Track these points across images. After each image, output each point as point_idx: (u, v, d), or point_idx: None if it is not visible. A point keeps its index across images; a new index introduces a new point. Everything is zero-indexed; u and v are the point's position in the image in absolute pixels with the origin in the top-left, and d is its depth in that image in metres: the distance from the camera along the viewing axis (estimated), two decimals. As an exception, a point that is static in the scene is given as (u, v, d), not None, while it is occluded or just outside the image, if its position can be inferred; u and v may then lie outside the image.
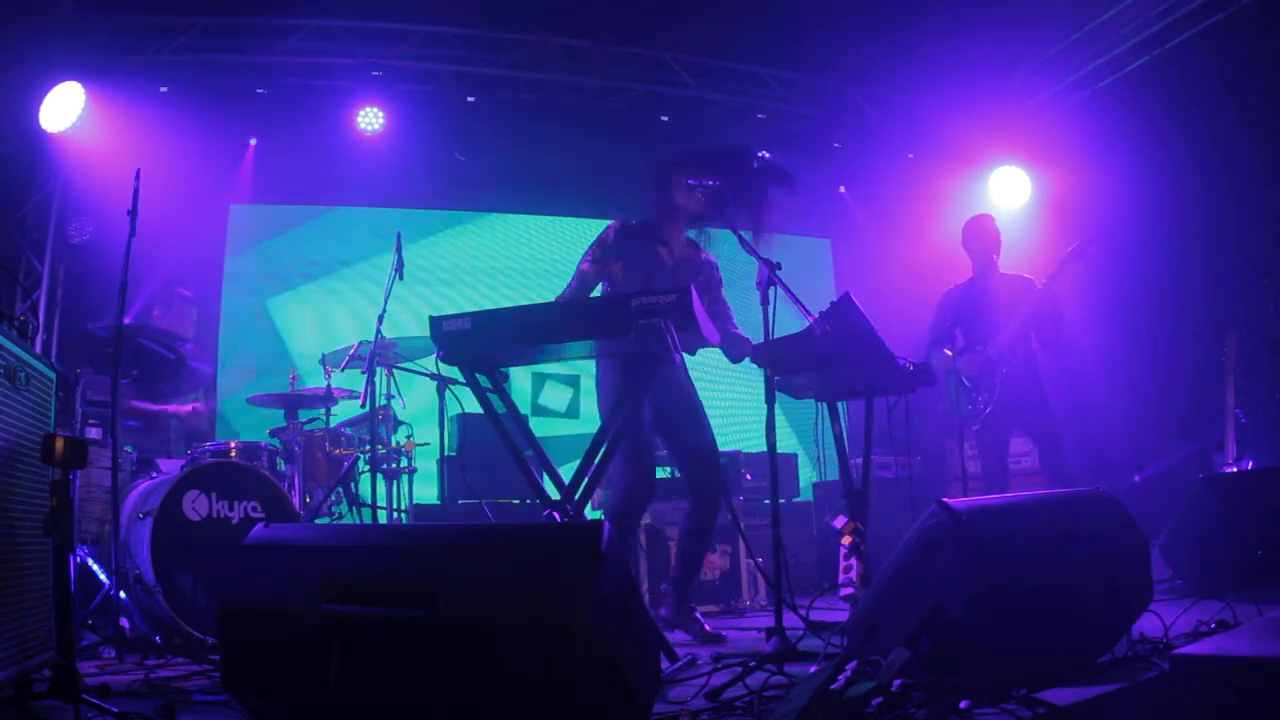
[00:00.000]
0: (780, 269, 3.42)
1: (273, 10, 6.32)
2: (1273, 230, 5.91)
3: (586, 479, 3.05)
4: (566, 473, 3.15)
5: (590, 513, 3.36)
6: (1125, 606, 2.67)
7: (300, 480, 4.78)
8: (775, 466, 3.42)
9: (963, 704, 2.09)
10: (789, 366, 3.53)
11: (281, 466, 4.73)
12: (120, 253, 3.56)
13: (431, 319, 2.99)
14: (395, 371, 5.07)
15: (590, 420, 3.24)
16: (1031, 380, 4.85)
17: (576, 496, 3.04)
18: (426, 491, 5.98)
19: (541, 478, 3.24)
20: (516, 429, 3.23)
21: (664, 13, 6.58)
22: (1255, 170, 5.97)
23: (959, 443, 4.94)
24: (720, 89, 7.35)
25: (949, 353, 4.99)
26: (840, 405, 4.00)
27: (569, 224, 7.82)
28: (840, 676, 2.08)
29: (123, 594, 3.63)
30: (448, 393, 5.29)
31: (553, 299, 3.73)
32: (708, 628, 3.80)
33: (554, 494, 3.11)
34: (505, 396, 3.19)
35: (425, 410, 5.67)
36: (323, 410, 5.12)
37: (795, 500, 6.41)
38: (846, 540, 3.54)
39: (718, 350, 3.62)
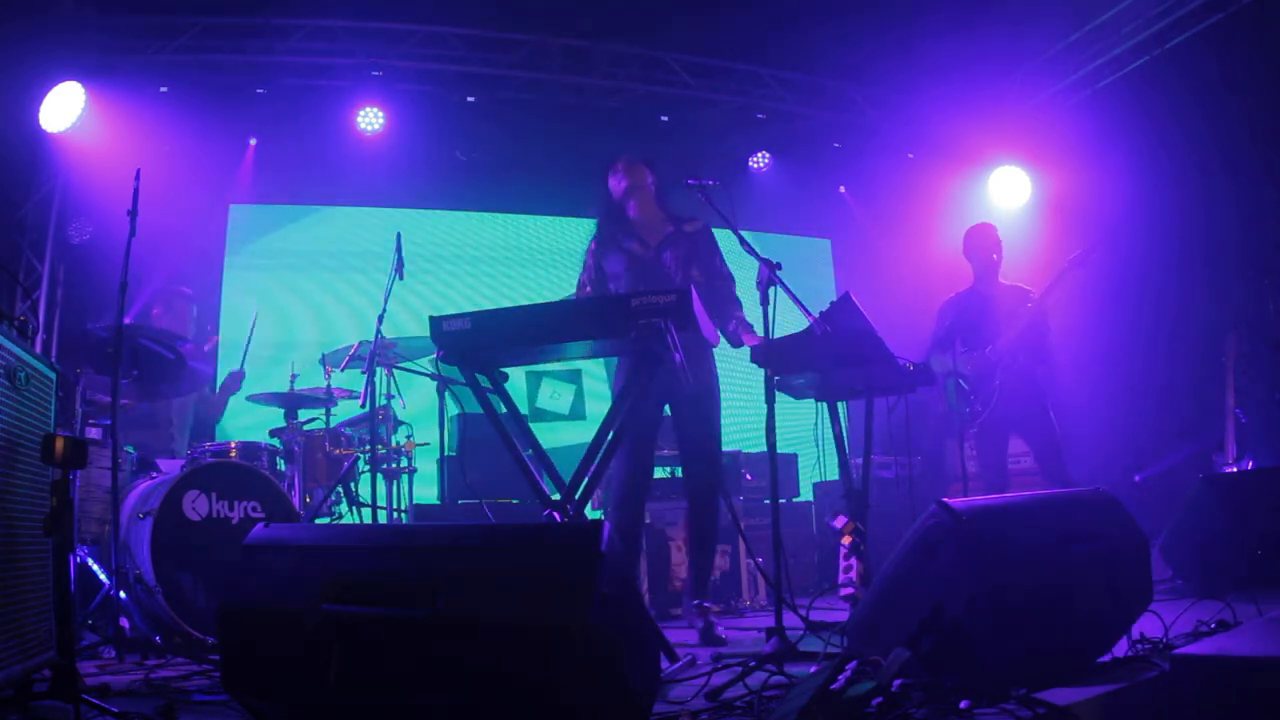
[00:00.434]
0: (780, 269, 3.42)
1: (273, 10, 6.31)
2: (1273, 230, 5.91)
3: (586, 479, 3.05)
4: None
5: (590, 513, 3.37)
6: (1125, 606, 2.67)
7: (300, 480, 4.78)
8: (775, 466, 3.42)
9: (963, 704, 2.09)
10: (789, 366, 3.53)
11: (281, 466, 4.73)
12: (120, 253, 3.56)
13: (431, 319, 3.00)
14: (395, 371, 5.07)
15: (596, 423, 3.24)
16: (1030, 388, 4.84)
17: (576, 496, 3.04)
18: (426, 491, 5.98)
19: (541, 478, 3.24)
20: (516, 429, 3.23)
21: (664, 13, 6.57)
22: (1255, 170, 5.97)
23: (959, 443, 4.94)
24: (720, 89, 7.34)
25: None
26: (840, 405, 4.00)
27: (569, 224, 7.82)
28: (840, 676, 2.08)
29: (123, 594, 3.63)
30: (448, 393, 5.30)
31: (553, 299, 3.74)
32: (718, 630, 3.78)
33: (554, 494, 3.11)
34: (505, 396, 3.19)
35: (425, 410, 5.67)
36: (323, 410, 5.12)
37: (795, 500, 6.41)
38: (846, 540, 3.55)
39: (721, 347, 3.65)
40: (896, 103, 7.66)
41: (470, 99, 6.98)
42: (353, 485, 4.99)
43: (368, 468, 4.76)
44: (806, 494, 6.64)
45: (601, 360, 5.14)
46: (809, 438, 3.91)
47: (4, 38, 5.33)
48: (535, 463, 3.25)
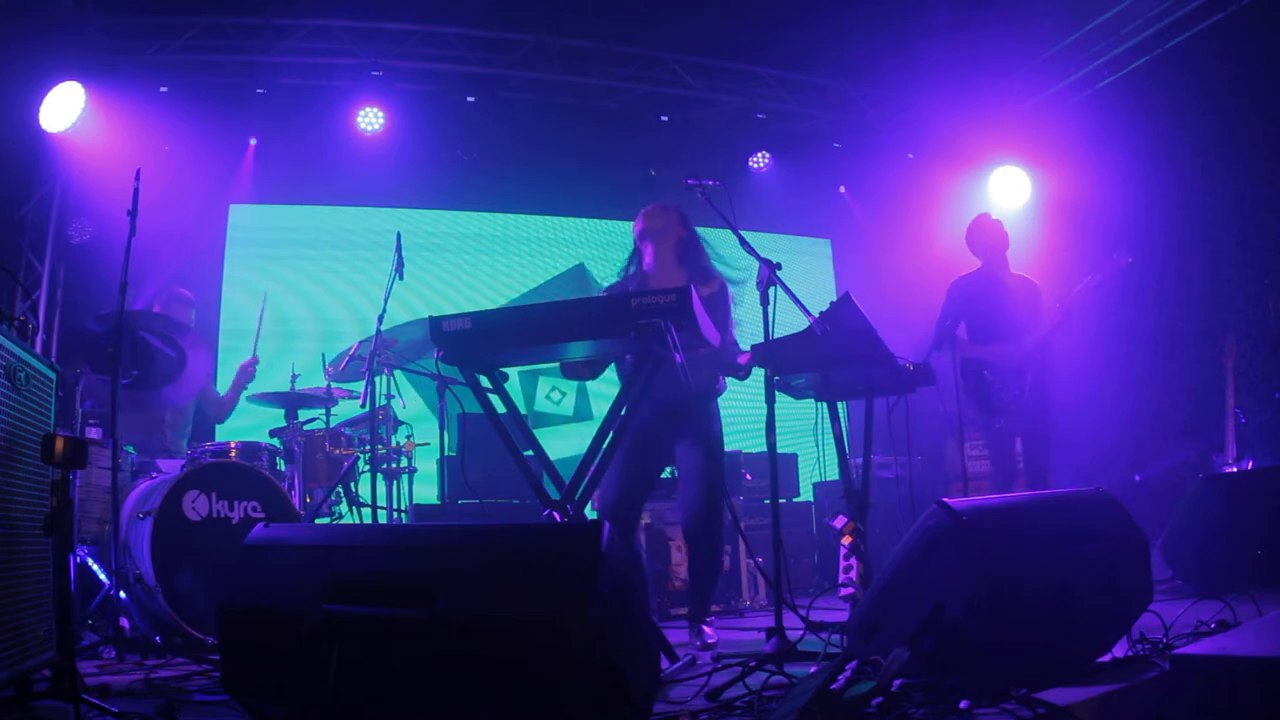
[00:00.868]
0: (780, 269, 3.42)
1: (273, 10, 6.31)
2: (1273, 230, 5.91)
3: (586, 479, 3.05)
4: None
5: (590, 513, 3.36)
6: (1125, 606, 2.67)
7: (300, 480, 4.78)
8: (775, 466, 3.42)
9: (963, 704, 2.09)
10: (789, 366, 3.53)
11: (281, 466, 4.73)
12: (120, 253, 3.56)
13: (431, 319, 2.99)
14: (395, 371, 5.07)
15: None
16: (1042, 385, 4.85)
17: (576, 496, 3.04)
18: (426, 491, 5.98)
19: (542, 478, 3.24)
20: (516, 429, 3.23)
21: (664, 13, 6.57)
22: (1255, 170, 5.97)
23: (959, 442, 4.93)
24: (720, 89, 7.34)
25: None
26: (840, 405, 4.00)
27: (569, 224, 7.83)
28: (840, 676, 2.08)
29: (123, 594, 3.63)
30: (448, 393, 5.30)
31: (553, 299, 3.73)
32: (710, 638, 3.74)
33: (554, 494, 3.11)
34: (505, 396, 3.19)
35: (425, 410, 5.66)
36: (323, 410, 5.12)
37: (795, 500, 6.41)
38: (846, 540, 3.55)
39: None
40: (896, 103, 7.66)
41: (470, 99, 6.99)
42: (353, 485, 4.99)
43: (368, 468, 4.76)
44: (806, 494, 6.64)
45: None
46: (809, 438, 3.91)
47: (4, 37, 5.33)
48: (535, 463, 3.25)
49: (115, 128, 5.90)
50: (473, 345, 2.98)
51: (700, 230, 4.06)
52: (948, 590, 2.30)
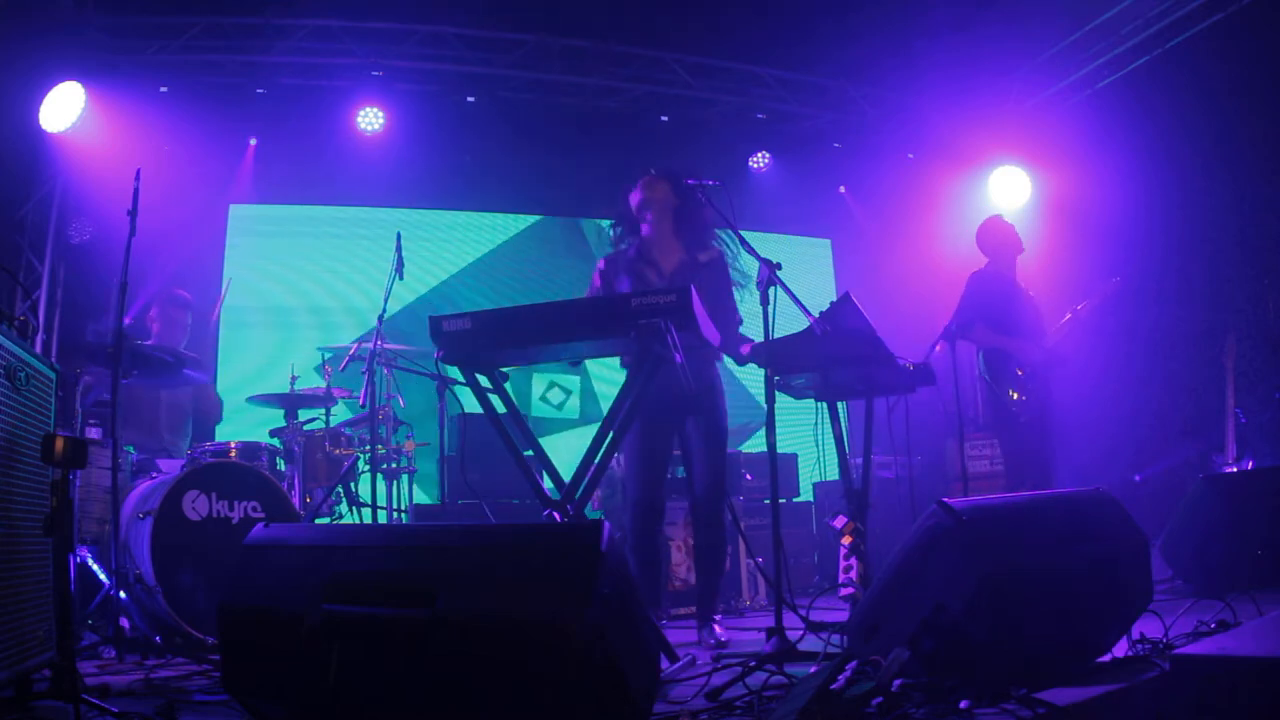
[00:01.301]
0: (780, 269, 3.42)
1: (272, 10, 6.31)
2: (1273, 230, 5.91)
3: (586, 479, 3.05)
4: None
5: (590, 513, 3.36)
6: (1125, 606, 2.67)
7: (300, 480, 4.78)
8: (775, 466, 3.42)
9: (963, 704, 2.09)
10: (789, 366, 3.53)
11: (281, 466, 4.73)
12: (120, 253, 3.56)
13: (431, 319, 2.99)
14: (395, 371, 5.07)
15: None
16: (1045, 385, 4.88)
17: (576, 496, 3.04)
18: (426, 491, 5.98)
19: (541, 478, 3.24)
20: (516, 429, 3.23)
21: (664, 13, 6.57)
22: (1255, 170, 5.97)
23: (959, 442, 4.92)
24: (720, 89, 7.34)
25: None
26: (840, 405, 4.00)
27: (569, 224, 7.82)
28: (840, 676, 2.08)
29: (123, 594, 3.63)
30: (448, 393, 5.30)
31: (553, 299, 3.72)
32: (721, 636, 3.73)
33: (554, 494, 3.11)
34: (505, 396, 3.19)
35: (425, 410, 5.66)
36: (323, 410, 5.12)
37: (795, 500, 6.41)
38: (846, 540, 3.55)
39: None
40: (896, 103, 7.66)
41: (470, 99, 6.99)
42: (353, 485, 4.99)
43: (368, 468, 4.76)
44: (806, 494, 6.64)
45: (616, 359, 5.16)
46: (809, 438, 3.91)
47: (4, 37, 5.33)
48: (535, 463, 3.25)
49: (115, 128, 5.90)
50: (473, 345, 2.98)
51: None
52: (948, 590, 2.30)
